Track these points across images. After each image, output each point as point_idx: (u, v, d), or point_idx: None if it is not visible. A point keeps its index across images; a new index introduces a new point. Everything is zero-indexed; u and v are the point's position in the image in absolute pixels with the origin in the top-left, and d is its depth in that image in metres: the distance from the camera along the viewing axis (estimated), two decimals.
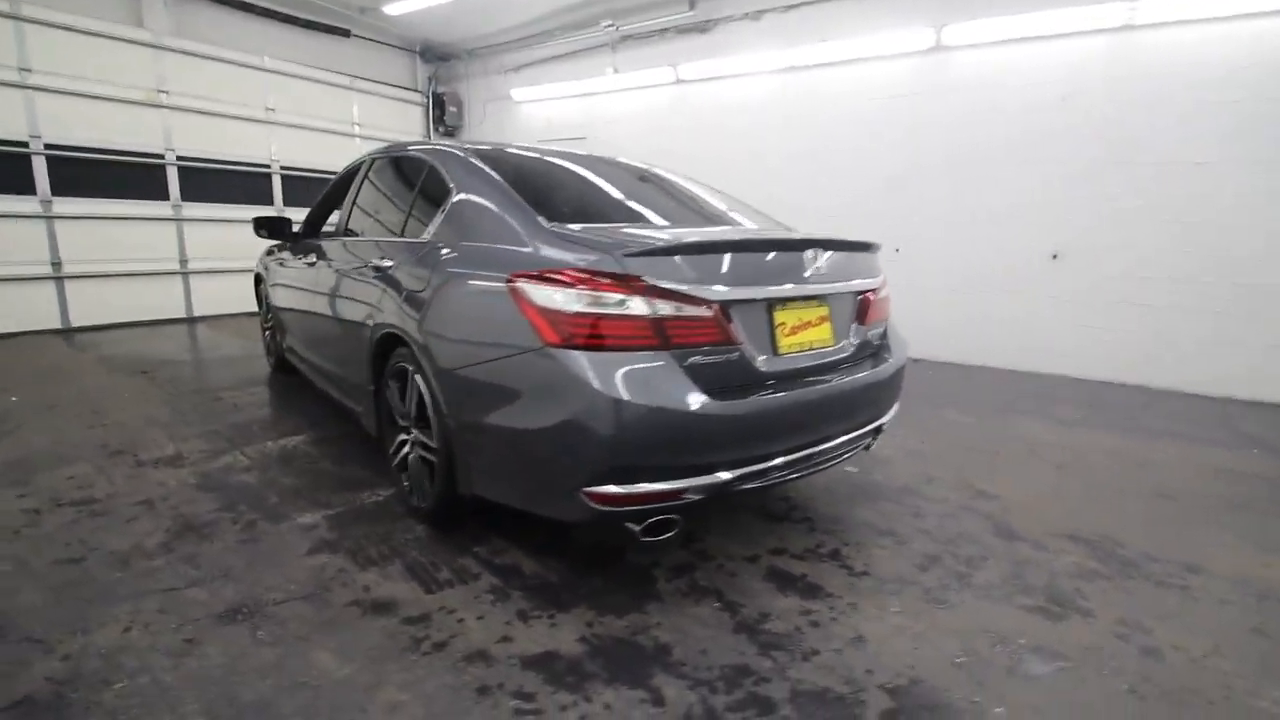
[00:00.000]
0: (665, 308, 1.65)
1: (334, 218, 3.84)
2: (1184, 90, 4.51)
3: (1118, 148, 4.78)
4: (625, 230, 1.98)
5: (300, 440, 3.18)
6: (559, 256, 1.73)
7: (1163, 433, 3.76)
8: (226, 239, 6.96)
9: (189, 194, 6.61)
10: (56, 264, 5.84)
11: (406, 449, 2.33)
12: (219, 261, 6.94)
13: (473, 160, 2.34)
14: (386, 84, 8.36)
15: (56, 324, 5.93)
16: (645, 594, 1.94)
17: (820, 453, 1.96)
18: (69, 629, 1.69)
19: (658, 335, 1.65)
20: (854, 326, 2.18)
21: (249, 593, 1.87)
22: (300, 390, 4.11)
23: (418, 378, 2.14)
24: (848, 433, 2.06)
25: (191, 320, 6.82)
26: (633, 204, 2.43)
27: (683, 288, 1.67)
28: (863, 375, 2.09)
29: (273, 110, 7.18)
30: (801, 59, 6.04)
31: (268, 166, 7.23)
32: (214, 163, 6.76)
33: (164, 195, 6.45)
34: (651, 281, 1.64)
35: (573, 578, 2.01)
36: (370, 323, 2.45)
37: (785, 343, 1.91)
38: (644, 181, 2.71)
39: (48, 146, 5.65)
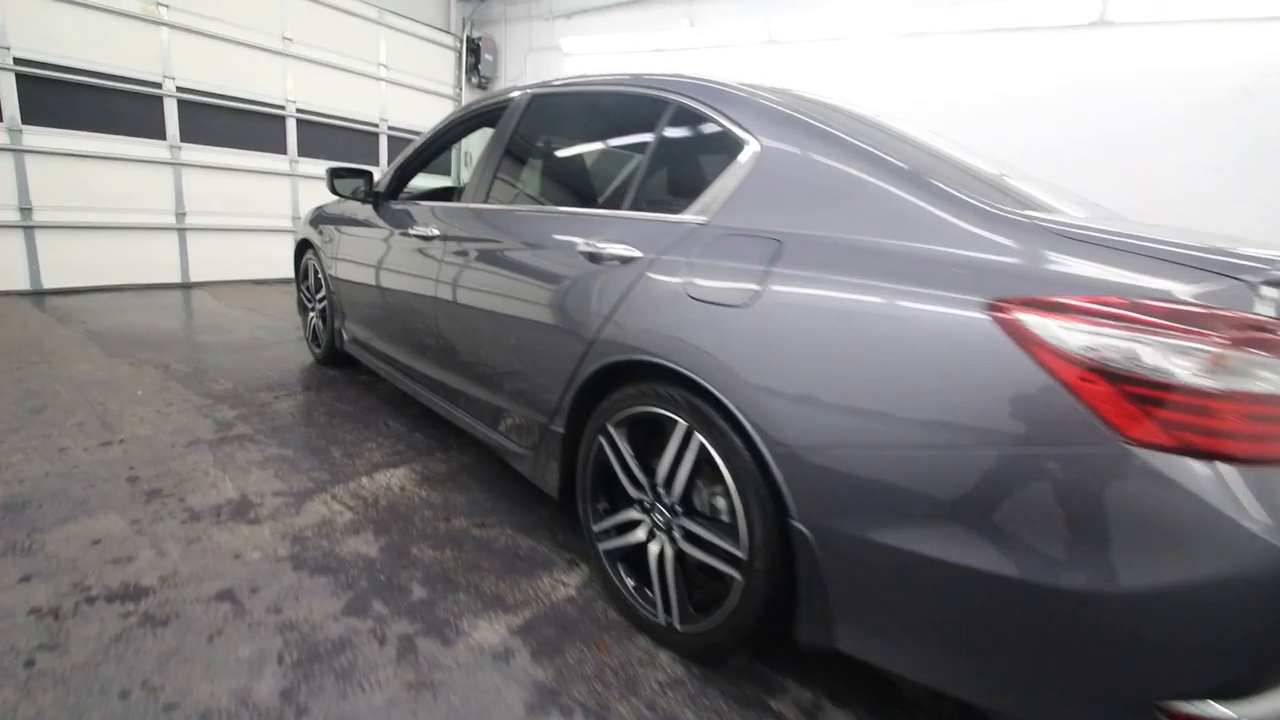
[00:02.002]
0: None
1: (418, 180, 2.97)
2: None
3: None
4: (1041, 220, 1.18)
5: (405, 476, 2.34)
6: (1111, 278, 0.96)
7: None
8: (231, 190, 5.91)
9: (189, 134, 5.53)
10: (26, 209, 4.75)
11: (642, 535, 1.55)
12: (221, 217, 5.89)
13: (771, 103, 1.53)
14: (418, 21, 7.27)
15: (24, 284, 4.86)
16: None
17: None
18: None
19: None
20: None
21: None
22: (367, 390, 3.24)
23: (702, 439, 1.35)
24: None
25: (188, 286, 5.78)
26: (959, 175, 1.63)
27: None
28: None
29: (290, 40, 6.08)
30: (930, 23, 5.26)
31: (282, 108, 6.15)
32: (219, 98, 5.67)
33: (160, 134, 5.36)
34: None
35: None
36: (581, 336, 1.64)
37: None
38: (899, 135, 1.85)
39: (18, 62, 4.53)
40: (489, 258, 2.03)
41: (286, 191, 6.40)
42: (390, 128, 7.19)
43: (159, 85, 5.27)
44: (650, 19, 6.66)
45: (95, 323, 4.22)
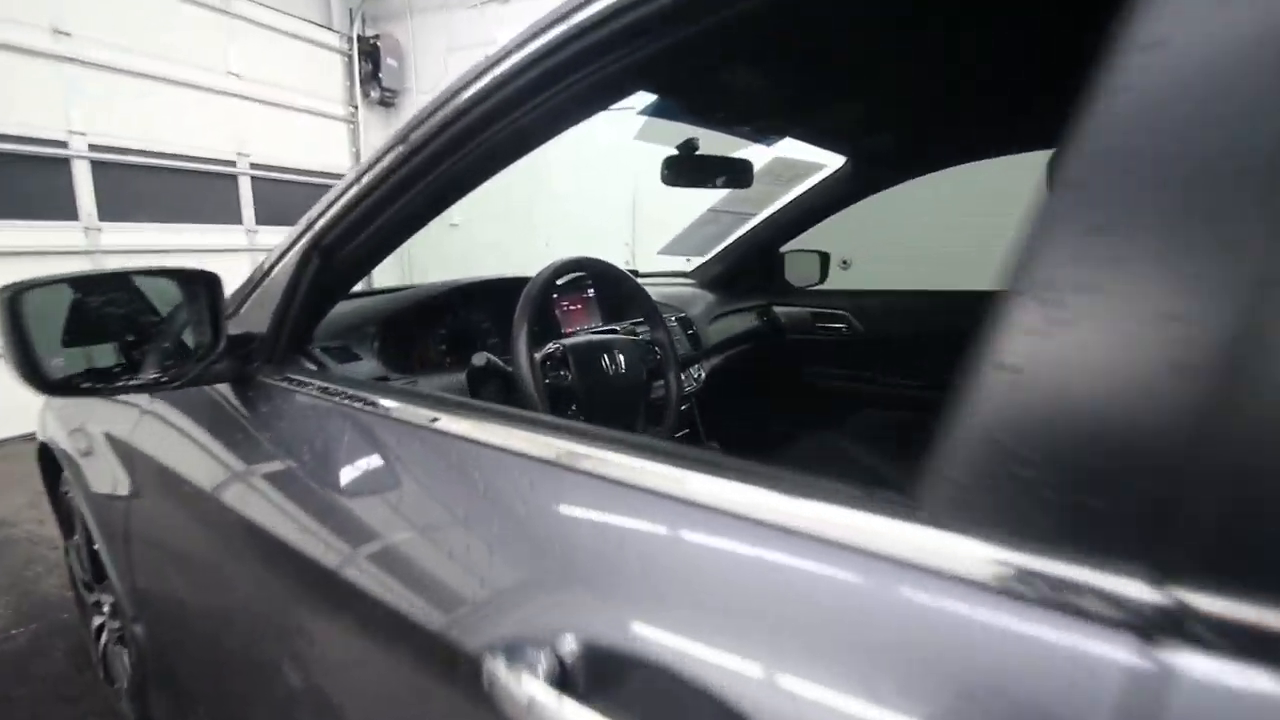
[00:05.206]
0: None
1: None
2: None
3: None
4: None
5: None
6: None
7: None
8: None
9: None
10: None
11: None
12: None
13: None
14: (283, 13, 5.04)
15: None
16: None
17: None
18: None
19: None
20: None
21: None
22: None
23: None
24: None
25: None
26: None
27: None
28: None
29: (67, 35, 3.72)
30: None
31: (63, 145, 3.75)
32: None
33: None
34: None
35: None
36: None
37: None
38: None
39: None
40: None
41: None
42: (254, 165, 4.87)
43: None
44: None
45: None
